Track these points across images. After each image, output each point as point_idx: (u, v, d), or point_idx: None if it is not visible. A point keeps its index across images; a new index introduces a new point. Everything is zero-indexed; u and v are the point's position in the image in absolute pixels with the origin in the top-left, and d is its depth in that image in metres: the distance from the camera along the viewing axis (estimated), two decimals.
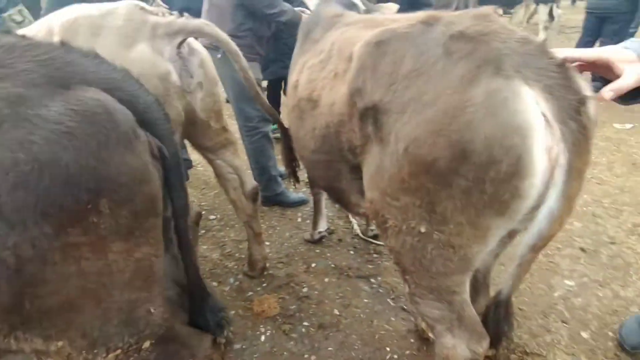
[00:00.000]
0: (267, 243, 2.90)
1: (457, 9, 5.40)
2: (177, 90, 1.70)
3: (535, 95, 0.91)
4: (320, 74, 1.52)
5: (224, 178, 2.24)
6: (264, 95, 1.98)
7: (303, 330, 2.15)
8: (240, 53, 1.81)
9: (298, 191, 3.44)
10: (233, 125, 4.25)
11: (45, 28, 1.72)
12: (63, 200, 0.81)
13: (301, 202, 3.33)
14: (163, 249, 1.10)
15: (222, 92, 1.96)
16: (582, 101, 0.90)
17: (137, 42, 1.62)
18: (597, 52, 0.99)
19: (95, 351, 0.99)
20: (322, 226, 2.81)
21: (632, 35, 6.14)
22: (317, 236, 2.82)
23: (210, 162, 2.20)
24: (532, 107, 0.90)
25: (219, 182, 2.32)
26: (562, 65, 0.93)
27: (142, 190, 0.95)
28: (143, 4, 1.70)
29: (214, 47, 2.72)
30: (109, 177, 0.88)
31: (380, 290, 2.40)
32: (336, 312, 2.26)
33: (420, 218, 1.11)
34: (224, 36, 1.73)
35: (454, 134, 0.96)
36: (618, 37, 4.51)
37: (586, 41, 5.00)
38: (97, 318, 0.97)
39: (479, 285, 1.51)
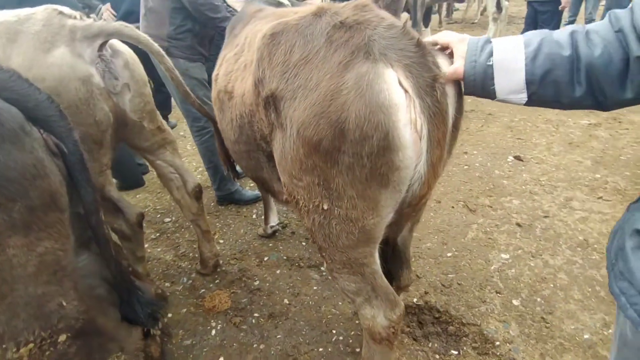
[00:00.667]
0: (221, 241, 2.94)
1: (406, 2, 5.59)
2: (102, 91, 1.72)
3: (397, 75, 1.00)
4: (234, 66, 1.58)
5: (166, 178, 2.26)
6: (193, 95, 2.01)
7: (253, 321, 2.21)
8: (163, 54, 1.84)
9: (254, 188, 3.48)
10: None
11: None
12: None
13: (257, 199, 3.37)
14: (72, 244, 1.13)
15: (150, 93, 1.98)
16: (435, 78, 1.00)
17: (56, 46, 1.63)
18: (441, 37, 1.12)
19: (4, 346, 1.00)
20: (274, 220, 2.87)
21: (571, 23, 6.49)
22: (269, 230, 2.87)
23: (151, 163, 2.22)
24: (394, 86, 0.99)
25: (162, 183, 2.35)
26: (419, 45, 1.02)
27: (36, 185, 0.98)
28: (62, 8, 1.71)
29: None
30: None
31: (330, 277, 2.47)
32: (286, 301, 2.32)
33: (321, 196, 1.19)
34: (145, 37, 1.76)
35: (332, 115, 1.04)
36: (549, 25, 4.78)
37: (525, 30, 5.27)
38: (2, 313, 0.99)
39: (401, 259, 1.61)
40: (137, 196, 3.69)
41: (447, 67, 1.06)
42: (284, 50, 1.20)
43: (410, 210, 1.20)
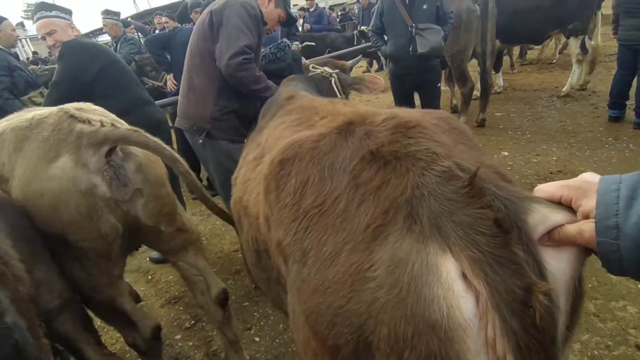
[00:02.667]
0: (257, 339, 2.55)
1: (474, 49, 5.10)
2: (108, 202, 1.49)
3: (462, 271, 0.56)
4: (252, 174, 1.26)
5: (190, 280, 1.98)
6: (211, 200, 1.74)
7: None
8: (176, 158, 1.61)
9: None
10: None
11: None
12: None
13: None
14: None
15: (170, 193, 1.73)
16: (530, 289, 0.54)
17: (60, 155, 1.45)
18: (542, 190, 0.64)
19: None
20: None
21: None
22: None
23: (173, 264, 1.96)
24: (457, 292, 0.56)
25: (186, 285, 2.07)
26: (498, 222, 0.58)
27: None
28: (73, 110, 1.55)
29: (194, 130, 2.58)
30: None
31: None
32: None
33: None
34: (154, 143, 1.53)
35: (353, 317, 0.63)
36: None
37: (621, 74, 4.46)
38: None
39: None
40: None
41: (558, 262, 0.60)
42: (294, 186, 0.84)
43: None
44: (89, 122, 1.49)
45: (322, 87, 2.25)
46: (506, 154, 4.55)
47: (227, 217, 1.80)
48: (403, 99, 4.45)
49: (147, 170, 1.61)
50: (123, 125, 1.61)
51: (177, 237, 1.81)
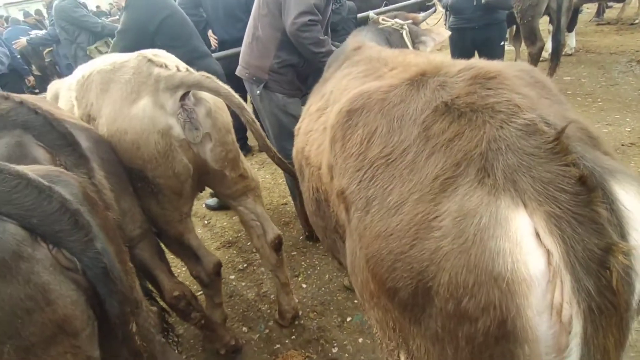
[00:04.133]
0: (304, 285, 2.71)
1: (548, 4, 4.62)
2: (182, 143, 1.60)
3: (535, 227, 0.56)
4: (315, 125, 1.29)
5: (248, 225, 2.11)
6: (273, 149, 1.79)
7: None
8: (244, 106, 1.65)
9: None
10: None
11: (66, 85, 1.77)
12: None
13: None
14: None
15: (235, 140, 1.81)
16: (610, 249, 0.53)
17: (141, 97, 1.56)
18: None
19: None
20: None
21: None
22: None
23: (233, 208, 2.09)
24: (526, 248, 0.56)
25: (244, 229, 2.21)
26: (584, 179, 0.56)
27: (34, 319, 0.83)
28: (152, 55, 1.64)
29: (253, 80, 2.64)
30: None
31: None
32: None
33: (397, 343, 0.82)
34: (225, 89, 1.59)
35: (415, 263, 0.66)
36: None
37: None
38: None
39: None
40: (234, 218, 3.71)
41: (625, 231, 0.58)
42: (360, 136, 0.85)
43: None
44: (166, 67, 1.58)
45: (392, 39, 2.18)
46: None
47: (286, 168, 1.87)
48: (462, 58, 4.20)
49: (216, 116, 1.70)
50: (195, 72, 1.68)
51: (239, 182, 1.92)
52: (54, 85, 2.11)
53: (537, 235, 0.57)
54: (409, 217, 0.69)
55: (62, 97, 1.87)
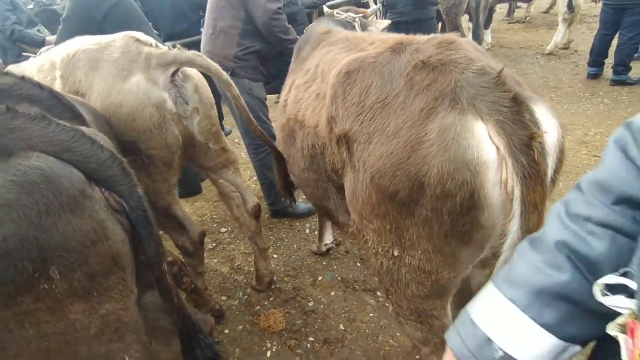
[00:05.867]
0: (275, 256, 2.94)
1: (468, 4, 5.30)
2: (174, 116, 1.75)
3: (488, 130, 0.89)
4: (305, 94, 1.54)
5: (228, 196, 2.28)
6: (255, 122, 2.00)
7: (308, 345, 2.17)
8: (230, 82, 1.84)
9: (307, 201, 3.45)
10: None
11: (48, 62, 1.81)
12: (6, 273, 0.83)
13: (310, 212, 3.34)
14: (134, 299, 1.12)
15: (217, 115, 1.99)
16: (532, 136, 0.88)
17: (133, 73, 1.68)
18: None
19: None
20: (328, 238, 2.82)
21: None
22: (323, 248, 2.83)
23: (214, 181, 2.25)
24: (484, 142, 0.89)
25: (223, 200, 2.38)
26: (516, 99, 0.90)
27: (96, 250, 0.97)
28: (138, 36, 1.76)
29: None
30: (54, 244, 0.89)
31: (387, 304, 2.37)
32: (341, 327, 2.26)
33: (392, 242, 1.11)
34: (215, 67, 1.76)
35: (412, 168, 0.96)
36: (638, 29, 4.30)
37: (603, 34, 4.79)
38: None
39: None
40: (195, 204, 3.80)
41: (550, 125, 0.94)
42: (359, 90, 1.13)
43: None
44: (157, 46, 1.71)
45: (346, 29, 2.48)
46: None
47: (266, 140, 2.07)
48: None
49: (202, 92, 1.86)
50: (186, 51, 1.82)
51: (221, 155, 2.09)
52: (16, 69, 2.09)
53: (490, 135, 0.90)
54: (405, 138, 0.98)
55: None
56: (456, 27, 5.27)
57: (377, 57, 1.16)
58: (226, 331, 2.32)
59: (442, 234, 0.99)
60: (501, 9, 10.08)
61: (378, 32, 1.63)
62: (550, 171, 0.95)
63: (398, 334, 2.17)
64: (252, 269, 2.75)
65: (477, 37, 5.37)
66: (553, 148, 0.95)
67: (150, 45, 1.72)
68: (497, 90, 0.92)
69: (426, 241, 1.03)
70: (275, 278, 2.65)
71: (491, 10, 6.87)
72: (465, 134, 0.90)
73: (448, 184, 0.91)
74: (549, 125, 0.94)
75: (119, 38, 1.76)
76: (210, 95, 1.93)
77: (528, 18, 9.17)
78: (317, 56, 1.64)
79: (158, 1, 3.85)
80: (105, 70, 1.69)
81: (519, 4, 8.92)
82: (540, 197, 0.90)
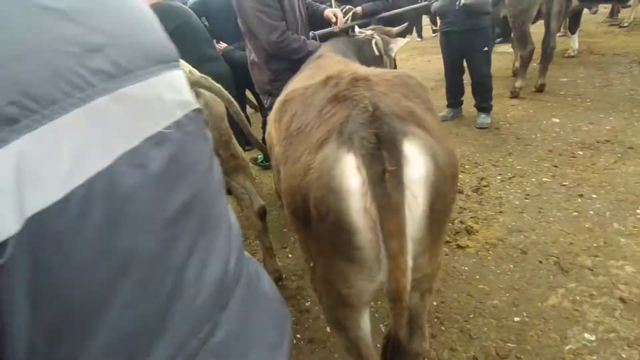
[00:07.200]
0: (290, 255, 3.16)
1: (540, 9, 4.87)
2: None
3: (356, 162, 0.99)
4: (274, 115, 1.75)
5: (239, 197, 2.58)
6: (255, 136, 2.24)
7: (294, 341, 2.35)
8: (232, 101, 2.10)
9: None
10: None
11: None
12: None
13: None
14: None
15: (227, 127, 2.29)
16: (384, 171, 0.96)
17: None
18: None
19: None
20: None
21: None
22: None
23: (226, 183, 2.56)
24: (349, 173, 0.99)
25: (235, 200, 2.69)
26: (377, 136, 0.99)
27: None
28: None
29: (263, 93, 3.12)
30: None
31: (377, 315, 2.45)
32: (328, 329, 2.40)
33: (307, 254, 1.26)
34: (217, 87, 2.05)
35: (302, 190, 1.10)
36: None
37: None
38: None
39: (410, 324, 1.53)
40: None
41: (417, 161, 1.00)
42: (289, 117, 1.30)
43: (397, 305, 1.13)
44: (189, 72, 2.06)
45: (364, 47, 2.61)
46: (557, 120, 4.49)
47: (262, 148, 2.31)
48: (451, 62, 4.54)
49: (212, 106, 2.17)
50: (196, 73, 2.16)
51: (231, 161, 2.39)
52: None
53: (356, 167, 1.00)
54: (302, 164, 1.12)
55: None
56: (524, 35, 4.89)
57: (308, 88, 1.31)
58: None
59: (329, 251, 1.12)
60: (606, 8, 8.91)
61: (343, 63, 1.74)
62: (418, 203, 1.02)
63: (379, 345, 2.23)
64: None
65: (548, 45, 4.91)
66: (419, 182, 1.01)
67: None
68: (370, 127, 1.02)
69: (322, 257, 1.16)
70: (283, 275, 2.88)
71: (578, 14, 6.18)
72: (335, 164, 1.01)
73: (321, 208, 1.04)
74: (416, 161, 1.00)
75: None
76: (221, 110, 2.22)
77: (625, 23, 7.98)
78: (293, 79, 1.82)
79: (224, 18, 4.33)
80: None
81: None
82: (396, 227, 0.97)
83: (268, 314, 0.86)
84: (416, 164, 1.00)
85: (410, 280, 1.07)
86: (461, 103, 5.01)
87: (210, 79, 2.06)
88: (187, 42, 3.33)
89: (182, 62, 2.28)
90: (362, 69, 1.35)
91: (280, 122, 1.34)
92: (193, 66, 3.10)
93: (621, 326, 2.09)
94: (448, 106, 5.03)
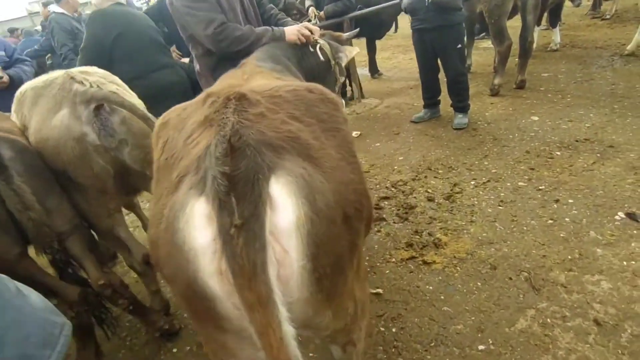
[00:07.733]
0: None
1: (515, 3, 4.66)
2: (97, 148, 1.86)
3: (207, 211, 0.77)
4: None
5: None
6: None
7: None
8: (149, 116, 1.86)
9: None
10: None
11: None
12: None
13: None
14: None
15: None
16: (235, 226, 0.73)
17: (61, 108, 1.82)
18: None
19: None
20: None
21: None
22: None
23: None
24: (194, 226, 0.77)
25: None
26: (228, 176, 0.77)
27: None
28: (74, 73, 1.90)
29: None
30: None
31: None
32: None
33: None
34: (129, 102, 1.84)
35: (158, 240, 0.88)
36: None
37: None
38: None
39: None
40: None
41: (285, 201, 0.78)
42: (161, 144, 1.08)
43: None
44: (82, 83, 1.83)
45: (306, 51, 2.38)
46: (535, 119, 4.28)
47: None
48: (424, 60, 4.34)
49: (131, 123, 1.94)
50: (115, 87, 1.93)
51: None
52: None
53: (206, 218, 0.78)
54: (160, 207, 0.90)
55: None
56: (500, 31, 4.68)
57: (186, 108, 1.09)
58: (174, 350, 2.40)
59: (198, 319, 0.90)
60: (588, 0, 8.74)
61: (246, 73, 1.52)
62: (291, 259, 0.79)
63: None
64: None
65: (525, 40, 4.71)
66: (289, 232, 0.79)
67: (80, 82, 1.85)
68: (223, 164, 0.79)
69: (196, 322, 0.95)
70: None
71: (558, 8, 5.97)
72: (180, 214, 0.80)
73: (165, 269, 0.82)
74: (283, 205, 0.78)
75: (61, 75, 1.93)
76: (142, 126, 2.00)
77: (607, 15, 7.78)
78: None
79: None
80: (42, 105, 1.86)
81: None
82: (255, 296, 0.75)
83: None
84: (284, 208, 0.78)
85: (299, 349, 0.85)
86: (438, 103, 4.80)
87: (120, 93, 1.85)
88: (132, 51, 3.10)
89: (107, 75, 2.06)
90: (256, 83, 1.13)
91: (156, 147, 1.12)
92: (137, 77, 2.89)
93: (595, 354, 1.88)
94: (425, 107, 4.82)
